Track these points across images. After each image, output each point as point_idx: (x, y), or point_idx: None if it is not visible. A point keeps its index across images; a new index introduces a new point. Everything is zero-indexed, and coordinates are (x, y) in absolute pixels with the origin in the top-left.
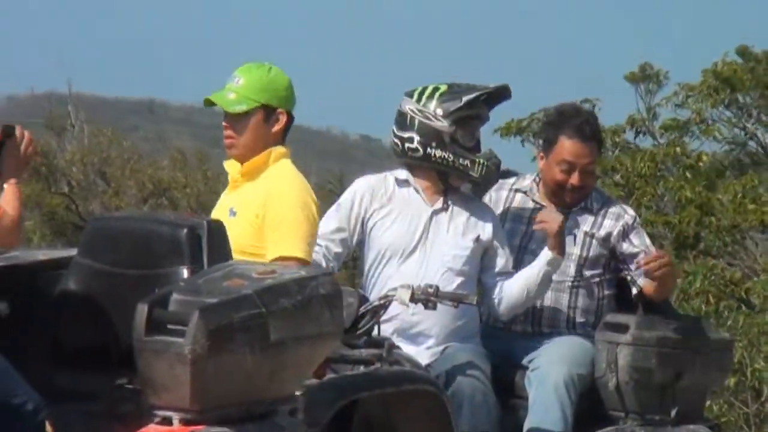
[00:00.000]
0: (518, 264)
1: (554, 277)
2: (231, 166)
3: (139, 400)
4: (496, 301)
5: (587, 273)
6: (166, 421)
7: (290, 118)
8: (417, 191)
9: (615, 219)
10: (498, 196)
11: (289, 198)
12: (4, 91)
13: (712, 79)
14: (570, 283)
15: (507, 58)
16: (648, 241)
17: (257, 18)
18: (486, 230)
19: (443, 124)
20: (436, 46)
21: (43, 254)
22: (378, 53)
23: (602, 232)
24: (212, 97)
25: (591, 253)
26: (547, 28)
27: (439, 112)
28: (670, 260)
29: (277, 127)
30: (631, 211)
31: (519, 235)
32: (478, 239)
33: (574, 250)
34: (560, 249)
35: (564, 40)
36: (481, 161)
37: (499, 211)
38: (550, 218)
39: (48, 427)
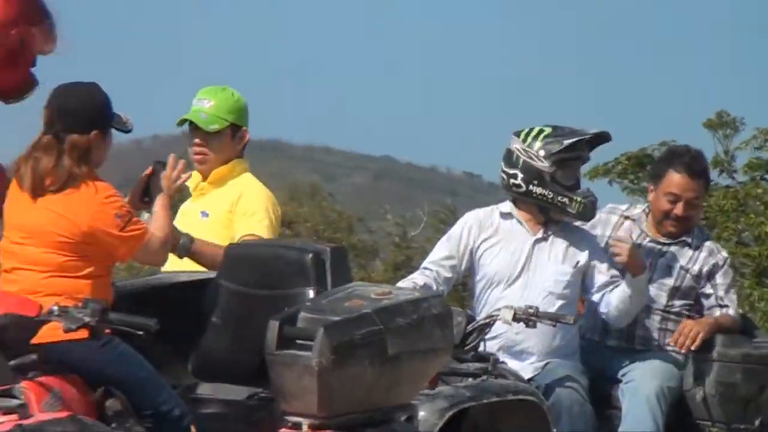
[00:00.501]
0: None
1: (648, 302)
2: (193, 178)
3: (272, 407)
4: (605, 312)
5: (678, 302)
6: (296, 427)
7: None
8: (520, 223)
9: (709, 255)
10: (608, 219)
11: (260, 196)
12: (149, 130)
13: None
14: (662, 310)
15: (592, 105)
16: (729, 281)
17: (361, 61)
18: (584, 255)
19: (545, 165)
20: (524, 92)
21: (186, 276)
22: (478, 100)
23: (696, 267)
24: (189, 116)
25: (683, 285)
26: (628, 78)
27: (542, 153)
28: (697, 333)
29: (241, 143)
30: (724, 253)
31: (619, 267)
32: (577, 264)
33: (668, 281)
34: (637, 269)
35: (644, 88)
36: (579, 199)
37: (607, 232)
38: (621, 248)
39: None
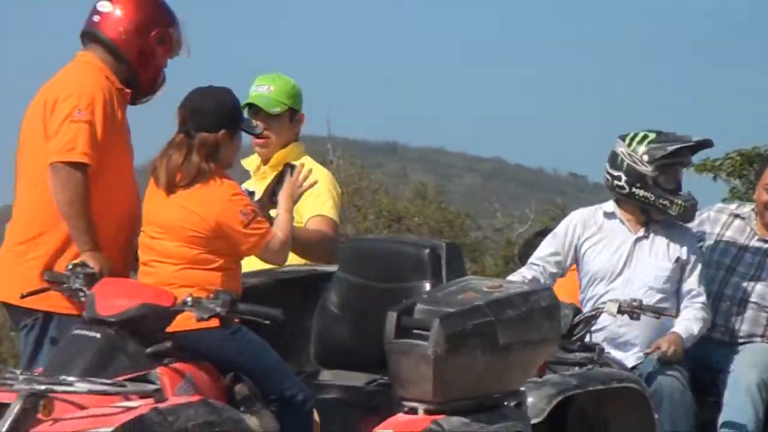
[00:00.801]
0: (726, 283)
1: (753, 298)
2: (251, 162)
3: (390, 393)
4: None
5: None
6: (413, 411)
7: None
8: (622, 222)
9: None
10: (717, 217)
11: (322, 178)
12: None
13: None
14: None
15: (704, 106)
16: None
17: (472, 68)
18: (683, 252)
19: (648, 169)
20: (627, 93)
21: (309, 269)
22: (584, 103)
23: None
24: (251, 99)
25: None
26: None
27: (645, 158)
28: None
29: (298, 127)
30: None
31: (730, 257)
32: (677, 260)
33: None
34: (678, 347)
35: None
36: (680, 202)
37: (716, 230)
38: (664, 343)
39: (315, 416)
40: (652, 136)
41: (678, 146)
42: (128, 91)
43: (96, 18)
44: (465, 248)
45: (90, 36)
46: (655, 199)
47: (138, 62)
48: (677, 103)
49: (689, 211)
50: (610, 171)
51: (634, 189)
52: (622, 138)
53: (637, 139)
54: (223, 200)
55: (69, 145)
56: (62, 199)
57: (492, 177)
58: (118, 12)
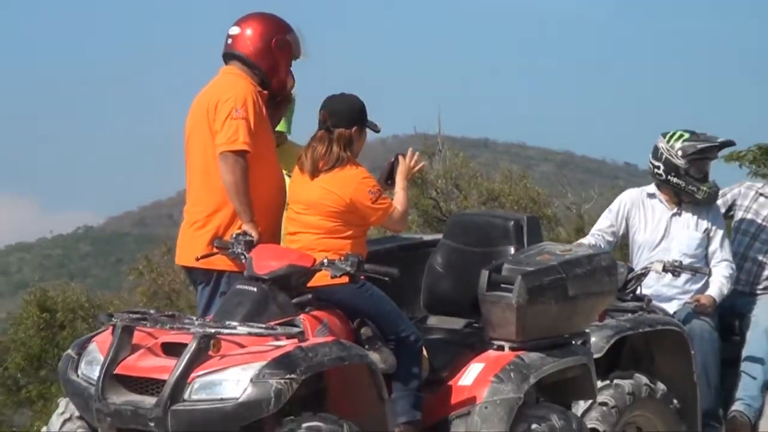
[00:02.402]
0: (750, 247)
1: None
2: None
3: (482, 334)
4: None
5: None
6: (500, 348)
7: None
8: (661, 201)
9: None
10: (746, 193)
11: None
12: (392, 131)
13: None
14: None
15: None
16: None
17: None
18: (709, 224)
19: (681, 162)
20: (667, 89)
21: (420, 237)
22: (636, 97)
23: None
24: None
25: None
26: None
27: (680, 153)
28: None
29: None
30: None
31: (755, 226)
32: (705, 230)
33: None
34: (712, 305)
35: None
36: (705, 189)
37: (745, 203)
38: (704, 304)
39: (424, 352)
40: (686, 135)
41: (706, 145)
42: (265, 92)
43: (230, 41)
44: (543, 221)
45: (229, 55)
46: (685, 186)
47: (267, 67)
48: (710, 103)
49: (712, 196)
50: (652, 161)
51: (669, 177)
52: (664, 135)
53: (675, 137)
54: (356, 181)
55: (233, 137)
56: (230, 180)
57: (563, 166)
58: (245, 32)
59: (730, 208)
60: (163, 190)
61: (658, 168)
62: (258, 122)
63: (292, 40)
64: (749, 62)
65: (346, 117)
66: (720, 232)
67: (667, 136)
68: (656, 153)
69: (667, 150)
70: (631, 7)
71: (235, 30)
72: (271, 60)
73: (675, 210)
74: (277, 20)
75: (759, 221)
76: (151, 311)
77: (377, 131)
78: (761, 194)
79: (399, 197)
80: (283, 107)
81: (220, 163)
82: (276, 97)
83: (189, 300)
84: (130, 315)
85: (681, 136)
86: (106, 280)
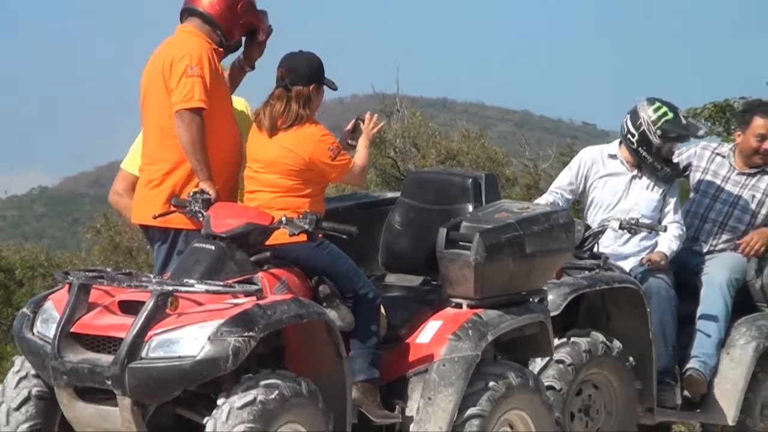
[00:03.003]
0: (710, 208)
1: (731, 222)
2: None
3: (440, 291)
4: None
5: (758, 222)
6: (458, 306)
7: None
8: (622, 163)
9: None
10: (702, 153)
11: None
12: (350, 91)
13: None
14: (743, 228)
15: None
16: None
17: (507, 30)
18: (666, 187)
19: (656, 140)
20: (631, 51)
21: (378, 195)
22: (602, 57)
23: None
24: None
25: (764, 210)
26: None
27: (659, 132)
28: (757, 243)
29: None
30: None
31: (714, 187)
32: (662, 193)
33: (750, 206)
34: (664, 261)
35: (736, 53)
36: (668, 170)
37: (702, 164)
38: (656, 260)
39: (382, 310)
40: (670, 116)
41: (684, 133)
42: (221, 50)
43: None
44: (501, 180)
45: (190, 11)
46: (651, 161)
47: (228, 28)
48: (669, 63)
49: (671, 177)
50: (628, 125)
51: (640, 149)
52: (651, 103)
53: (660, 112)
54: (315, 139)
55: (188, 95)
56: (186, 138)
57: (521, 125)
58: None
59: (686, 168)
60: (120, 151)
61: (632, 136)
62: (213, 80)
63: (255, 6)
64: (705, 20)
65: (304, 74)
66: (674, 198)
67: (652, 109)
68: (635, 120)
69: (648, 124)
70: None
71: None
72: (234, 22)
73: (635, 172)
74: None
75: (718, 182)
76: (108, 269)
77: (335, 89)
78: (718, 154)
79: (360, 154)
80: (257, 52)
81: (176, 121)
82: (228, 55)
83: (148, 258)
84: (87, 273)
85: (665, 114)
86: (62, 240)
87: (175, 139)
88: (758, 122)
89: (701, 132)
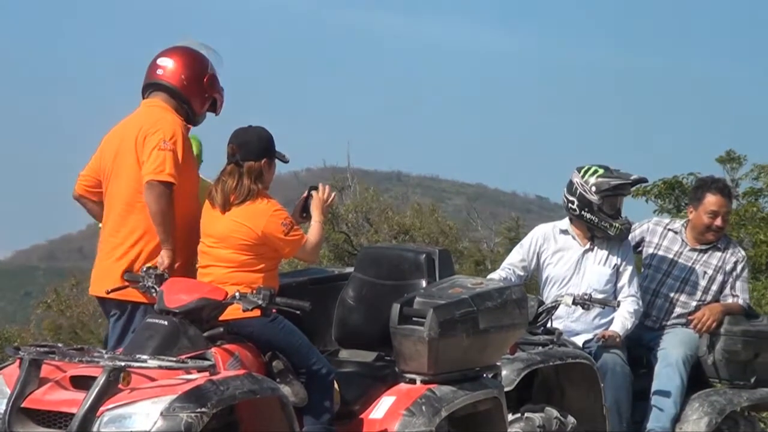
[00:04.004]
0: (662, 284)
1: (682, 297)
2: None
3: (394, 367)
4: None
5: (709, 298)
6: (412, 381)
7: None
8: (573, 237)
9: (731, 255)
10: (655, 229)
11: None
12: (304, 164)
13: None
14: (694, 304)
15: (637, 143)
16: (743, 275)
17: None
18: (619, 260)
19: (594, 198)
20: (575, 134)
21: (332, 270)
22: (554, 132)
23: (727, 267)
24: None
25: (714, 287)
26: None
27: (593, 189)
28: (709, 319)
29: None
30: (742, 252)
31: (666, 263)
32: (614, 266)
33: (701, 282)
34: (619, 337)
35: (677, 131)
36: (617, 225)
37: (655, 240)
38: (611, 337)
39: (335, 385)
40: (601, 171)
41: (619, 182)
42: (189, 126)
43: (160, 72)
44: (455, 254)
45: (156, 86)
46: (598, 222)
47: (194, 101)
48: (619, 139)
49: (624, 232)
50: (567, 196)
51: (582, 212)
52: (579, 170)
53: (590, 172)
54: (268, 214)
55: (159, 167)
56: (156, 209)
57: (475, 198)
58: (177, 64)
59: (639, 243)
60: (74, 224)
61: (572, 203)
62: (185, 157)
63: (218, 81)
64: (656, 97)
65: (254, 149)
66: (629, 268)
67: (582, 171)
68: (571, 188)
69: (581, 185)
70: (541, 39)
71: (166, 61)
72: (201, 96)
73: (587, 246)
74: (208, 59)
75: (670, 257)
76: (59, 345)
77: (286, 162)
78: (670, 230)
79: (314, 229)
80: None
81: (145, 192)
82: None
83: (97, 334)
84: (38, 348)
85: (595, 171)
86: (12, 313)
87: (140, 213)
88: (710, 199)
89: (634, 176)
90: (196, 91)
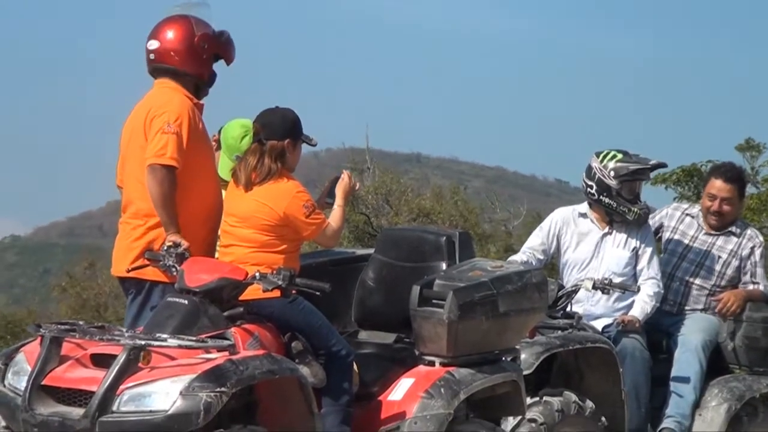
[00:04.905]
0: (678, 267)
1: (697, 281)
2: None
3: (413, 349)
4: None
5: (723, 283)
6: (431, 363)
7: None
8: (592, 221)
9: (749, 240)
10: (673, 214)
11: None
12: (324, 145)
13: None
14: (709, 289)
15: (657, 130)
16: (761, 261)
17: (480, 87)
18: (638, 243)
19: (613, 183)
20: (595, 117)
21: (352, 252)
22: (572, 119)
23: (743, 252)
24: None
25: (729, 271)
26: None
27: (612, 173)
28: (734, 304)
29: None
30: (760, 237)
31: (682, 246)
32: (633, 250)
33: (717, 267)
34: (639, 322)
35: (701, 122)
36: (636, 210)
37: (672, 224)
38: (630, 321)
39: (354, 366)
40: (619, 156)
41: (638, 167)
42: (202, 104)
43: (152, 56)
44: (475, 237)
45: (157, 71)
46: (617, 206)
47: (197, 70)
48: (640, 124)
49: (642, 217)
50: (585, 180)
51: (601, 197)
52: (597, 155)
53: (608, 157)
54: (290, 195)
55: (161, 151)
56: (157, 192)
57: (495, 181)
58: (165, 43)
59: (658, 229)
60: (94, 201)
61: (591, 188)
62: (193, 138)
63: (211, 31)
64: (678, 86)
65: (278, 129)
66: (648, 250)
67: (600, 156)
68: (589, 172)
69: (600, 170)
70: (565, 22)
71: (153, 44)
72: (199, 60)
73: (606, 230)
74: (191, 18)
75: (686, 241)
76: (80, 322)
77: (313, 145)
78: (687, 214)
79: (335, 214)
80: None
81: (147, 175)
82: (207, 92)
83: (118, 312)
84: (59, 326)
85: (614, 156)
86: (33, 290)
87: None
88: (712, 183)
89: (653, 161)
90: (192, 60)
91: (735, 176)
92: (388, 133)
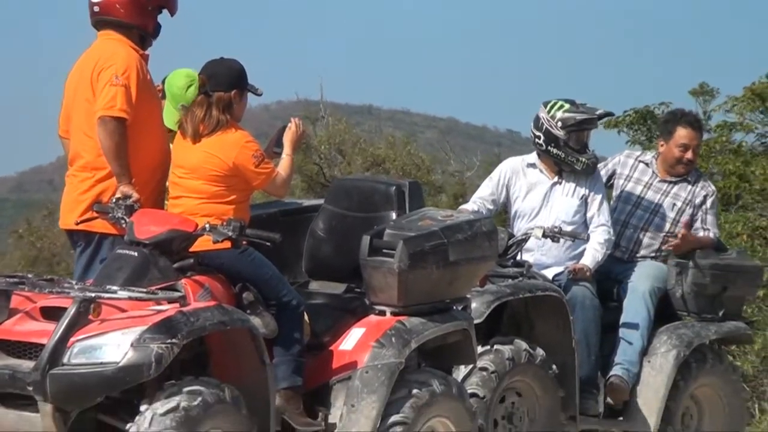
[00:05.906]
0: (631, 214)
1: (651, 228)
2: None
3: (364, 299)
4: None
5: (676, 230)
6: (382, 313)
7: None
8: (541, 171)
9: (701, 189)
10: (626, 162)
11: None
12: (276, 97)
13: (750, 94)
14: (663, 235)
15: (613, 74)
16: (714, 209)
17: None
18: (587, 191)
19: (560, 133)
20: (550, 63)
21: (302, 202)
22: (521, 68)
23: (696, 200)
24: None
25: (682, 218)
26: (640, 55)
27: (559, 124)
28: (685, 242)
29: None
30: (713, 186)
31: (636, 194)
32: (582, 197)
33: (670, 214)
34: (586, 273)
35: (651, 62)
36: (583, 160)
37: (626, 172)
38: (580, 270)
39: (305, 317)
40: (567, 106)
41: (585, 117)
42: (148, 54)
43: (96, 9)
44: (427, 187)
45: (101, 23)
46: (564, 156)
47: (143, 22)
48: (591, 71)
49: (590, 167)
50: (534, 131)
51: (549, 147)
52: (545, 104)
53: (556, 107)
54: (239, 145)
55: (110, 103)
56: (108, 144)
57: (447, 132)
58: None
59: (611, 177)
60: (44, 156)
61: (539, 138)
62: (141, 89)
63: None
64: (628, 27)
65: (224, 80)
66: (598, 198)
67: (548, 106)
68: (537, 123)
69: (548, 120)
70: None
71: None
72: (144, 12)
73: (555, 179)
74: None
75: (639, 189)
76: (29, 275)
77: (259, 95)
78: (641, 161)
79: (284, 163)
80: None
81: (98, 128)
82: (151, 43)
83: (69, 266)
84: (7, 279)
85: (561, 106)
86: None
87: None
88: (681, 132)
89: (600, 111)
90: (137, 12)
91: (700, 124)
92: (339, 86)
